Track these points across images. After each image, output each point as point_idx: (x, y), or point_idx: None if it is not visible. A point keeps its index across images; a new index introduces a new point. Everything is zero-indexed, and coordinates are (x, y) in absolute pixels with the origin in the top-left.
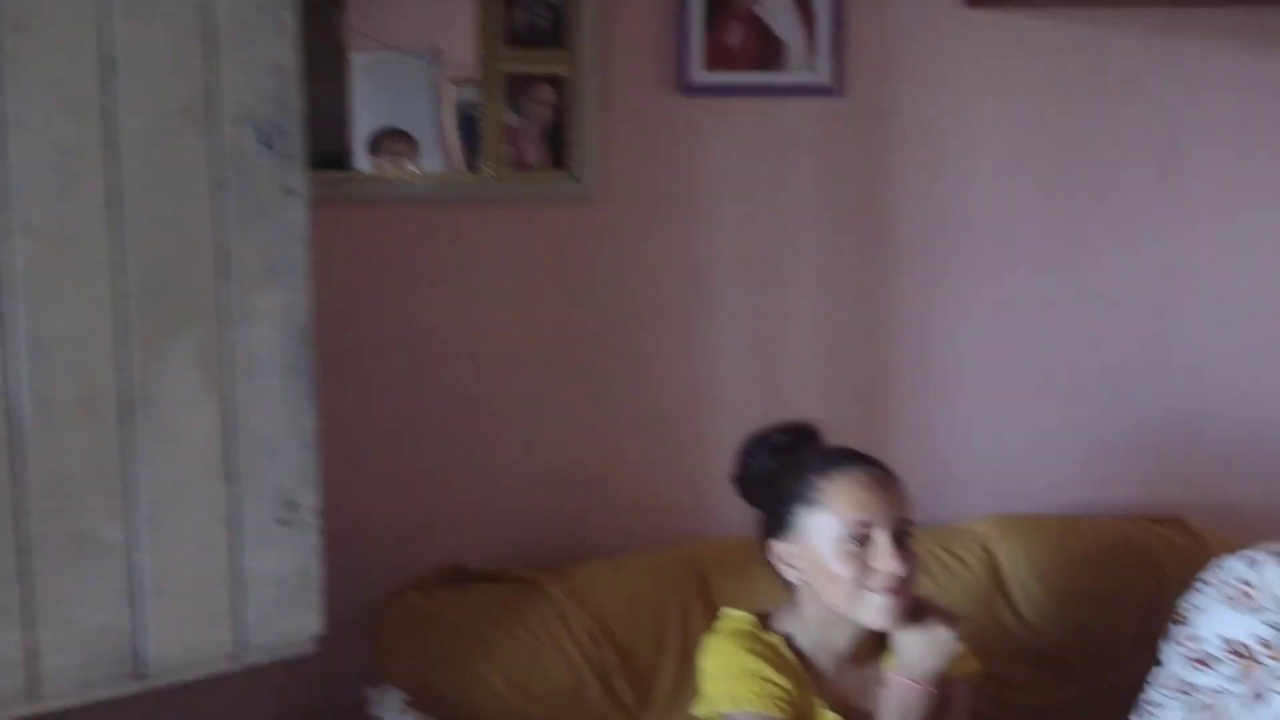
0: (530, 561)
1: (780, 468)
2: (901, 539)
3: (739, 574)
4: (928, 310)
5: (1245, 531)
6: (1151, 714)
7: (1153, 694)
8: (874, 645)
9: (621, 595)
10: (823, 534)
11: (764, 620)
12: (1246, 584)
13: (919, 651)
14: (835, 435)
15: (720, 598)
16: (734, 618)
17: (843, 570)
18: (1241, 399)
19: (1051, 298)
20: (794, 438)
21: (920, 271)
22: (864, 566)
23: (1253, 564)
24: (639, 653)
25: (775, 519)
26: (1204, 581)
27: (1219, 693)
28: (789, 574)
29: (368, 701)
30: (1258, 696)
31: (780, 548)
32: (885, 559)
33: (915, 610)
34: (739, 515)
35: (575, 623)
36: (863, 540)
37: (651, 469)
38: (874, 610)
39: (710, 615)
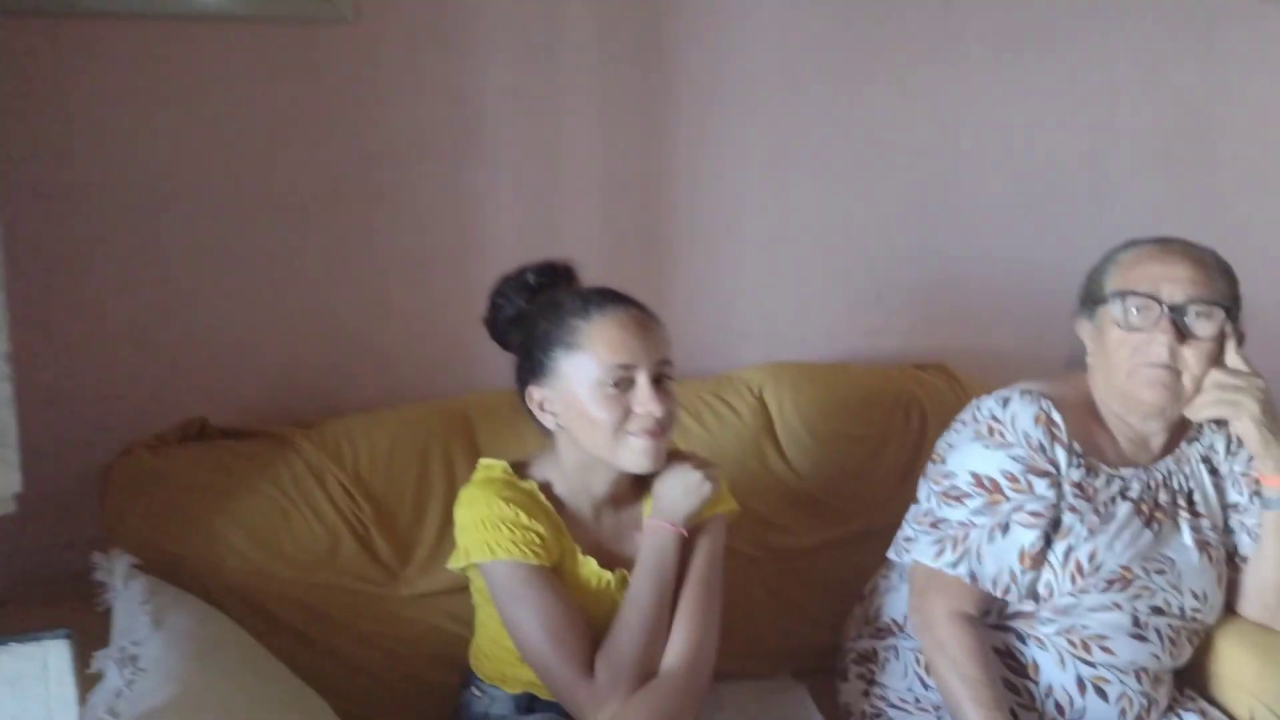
0: (287, 420)
1: (535, 309)
2: (661, 381)
3: (508, 427)
4: (705, 156)
5: (1004, 376)
6: (905, 549)
7: (908, 529)
8: (632, 489)
9: (380, 450)
10: (581, 378)
11: (520, 468)
12: (996, 420)
13: (674, 494)
14: (609, 282)
15: (488, 452)
16: (488, 466)
17: (601, 414)
18: (1006, 247)
19: (829, 146)
20: (549, 277)
21: (699, 116)
22: (623, 410)
23: (1004, 402)
24: (399, 510)
25: (532, 363)
26: (961, 422)
27: (965, 525)
28: (546, 420)
29: (94, 568)
30: (1002, 528)
31: (537, 393)
32: (645, 402)
33: (671, 456)
34: (509, 366)
35: (329, 479)
36: (622, 383)
37: (416, 318)
38: (633, 454)
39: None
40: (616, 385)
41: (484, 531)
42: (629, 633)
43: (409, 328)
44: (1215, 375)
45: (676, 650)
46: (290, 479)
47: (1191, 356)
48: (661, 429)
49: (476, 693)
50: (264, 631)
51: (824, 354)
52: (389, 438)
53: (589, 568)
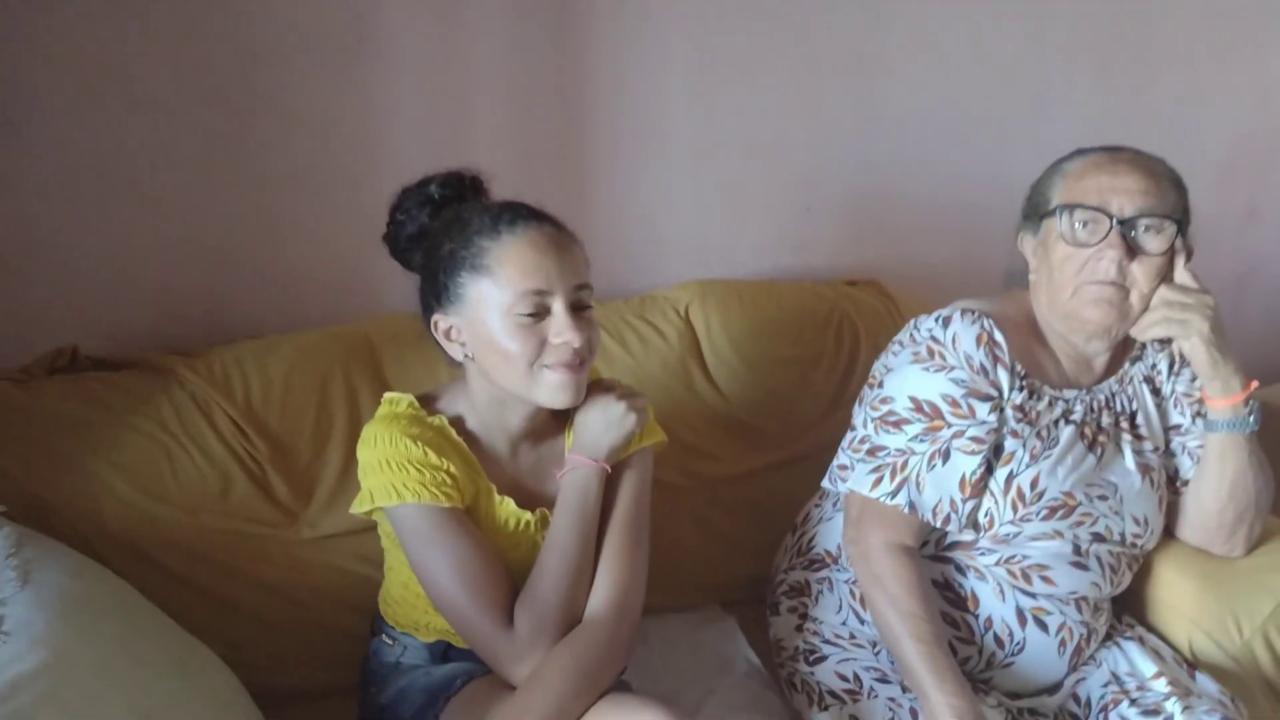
0: (170, 348)
1: (439, 226)
2: (580, 308)
3: (416, 354)
4: (627, 60)
5: (938, 292)
6: (841, 478)
7: (843, 457)
8: (552, 422)
9: (275, 381)
10: (490, 305)
11: (428, 401)
12: (936, 341)
13: (596, 428)
14: (522, 196)
15: (395, 381)
16: (392, 401)
17: (513, 345)
18: (940, 158)
19: (759, 52)
20: (455, 190)
21: (620, 17)
22: (538, 341)
23: (944, 322)
24: (297, 446)
25: (436, 287)
26: (898, 343)
27: (904, 452)
28: (454, 350)
29: None
30: (942, 455)
31: (444, 321)
32: (562, 331)
33: (593, 386)
34: (415, 287)
35: (218, 414)
36: (536, 311)
37: (310, 235)
38: (549, 389)
39: (381, 396)
40: (530, 314)
41: (389, 472)
42: (550, 579)
43: (302, 245)
44: (1163, 292)
45: (602, 595)
46: (173, 414)
47: (1141, 273)
48: (581, 361)
49: (387, 641)
50: (151, 583)
51: (752, 270)
52: (283, 367)
53: (506, 508)
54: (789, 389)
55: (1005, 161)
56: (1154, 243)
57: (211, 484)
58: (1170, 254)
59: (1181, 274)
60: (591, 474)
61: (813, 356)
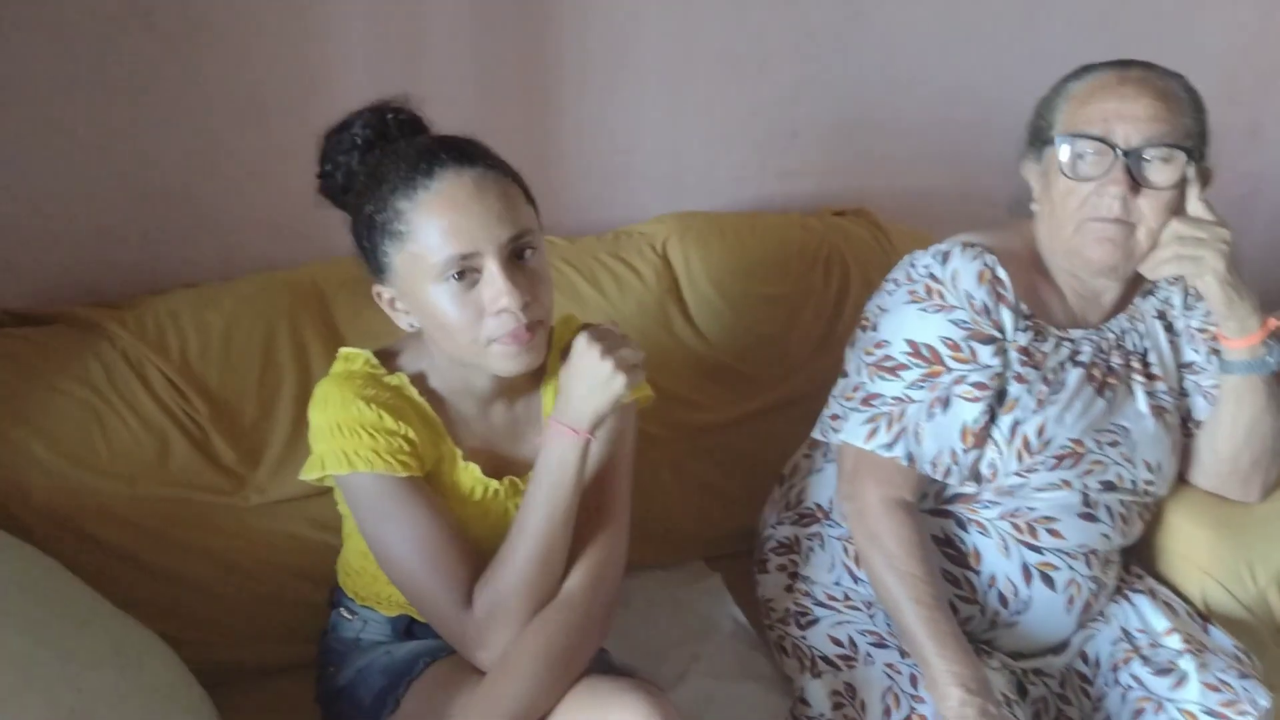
0: (97, 300)
1: (363, 179)
2: (521, 260)
3: (369, 300)
4: None
5: (933, 222)
6: (834, 428)
7: (835, 406)
8: (526, 377)
9: (214, 334)
10: (419, 275)
11: (387, 358)
12: (934, 279)
13: (579, 390)
14: (483, 129)
15: (348, 331)
16: (347, 357)
17: (450, 318)
18: (934, 74)
19: None
20: (378, 130)
21: None
22: (475, 309)
23: (943, 258)
24: (242, 404)
25: (367, 256)
26: (893, 282)
27: (901, 400)
28: (401, 321)
29: None
30: (942, 402)
31: (385, 291)
32: (498, 297)
33: (582, 333)
34: None
35: (151, 371)
36: (467, 276)
37: (250, 172)
38: (501, 360)
39: (334, 351)
40: (460, 278)
41: (340, 438)
42: (514, 563)
43: (242, 183)
44: (1175, 226)
45: (577, 569)
46: (102, 373)
47: (1148, 208)
48: (530, 328)
49: (346, 615)
50: (84, 560)
51: (733, 200)
52: (223, 318)
53: (471, 474)
54: (775, 329)
55: (1004, 76)
56: (1162, 175)
57: (148, 449)
58: (1182, 185)
59: (1195, 205)
60: (570, 446)
61: (800, 294)
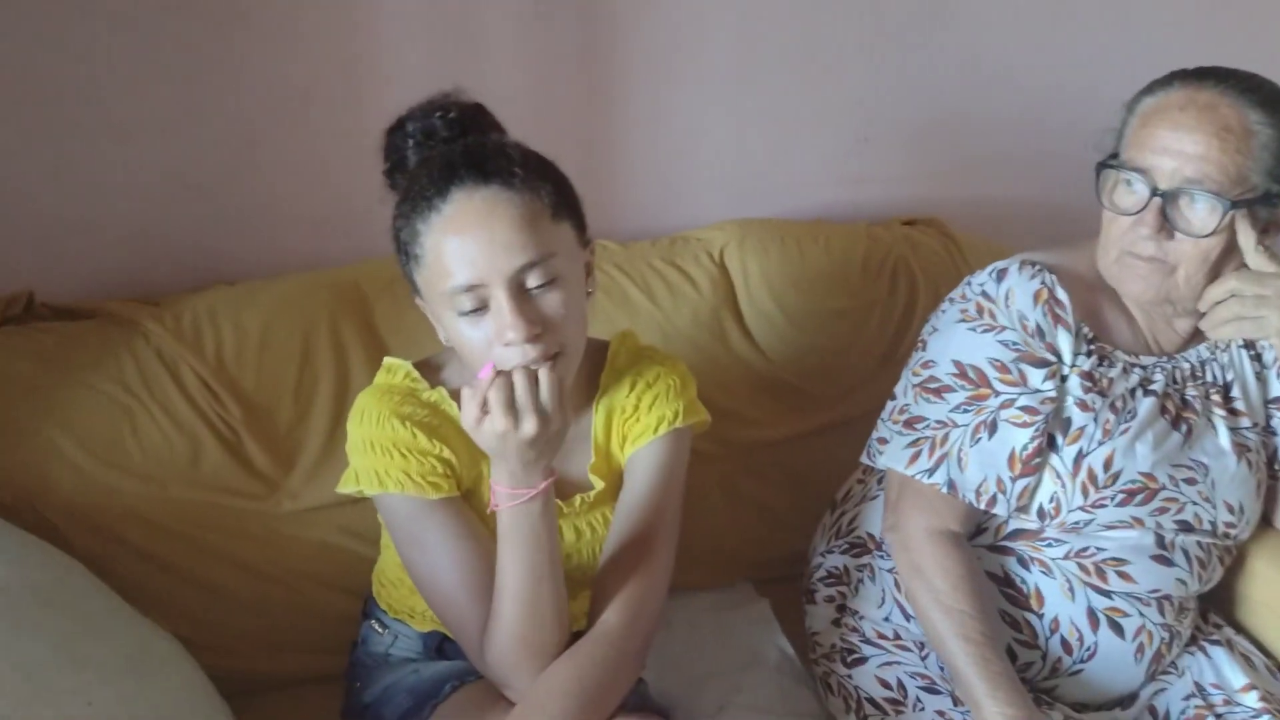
0: (138, 293)
1: (403, 184)
2: (535, 288)
3: (413, 303)
4: None
5: (1011, 236)
6: (879, 451)
7: (882, 429)
8: (579, 389)
9: (250, 335)
10: (434, 300)
11: (430, 370)
12: (987, 297)
13: (490, 451)
14: (537, 127)
15: (389, 335)
16: (389, 369)
17: (465, 347)
18: (1019, 77)
19: None
20: (429, 129)
21: None
22: (488, 339)
23: (998, 276)
24: (277, 407)
25: (402, 270)
26: (948, 299)
27: (945, 424)
28: (440, 334)
29: None
30: (988, 427)
31: (421, 305)
32: (504, 331)
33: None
34: None
35: (185, 372)
36: (478, 307)
37: (297, 167)
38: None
39: (376, 356)
40: (469, 311)
41: (373, 456)
42: (503, 622)
43: (288, 178)
44: (1233, 283)
45: (616, 604)
46: (136, 372)
47: (1186, 253)
48: (551, 350)
49: (378, 628)
50: (112, 563)
51: (797, 208)
52: (261, 318)
53: None
54: (836, 345)
55: (1097, 78)
56: (1199, 222)
57: (179, 451)
58: (1230, 235)
59: (1255, 258)
60: (519, 512)
61: (864, 307)
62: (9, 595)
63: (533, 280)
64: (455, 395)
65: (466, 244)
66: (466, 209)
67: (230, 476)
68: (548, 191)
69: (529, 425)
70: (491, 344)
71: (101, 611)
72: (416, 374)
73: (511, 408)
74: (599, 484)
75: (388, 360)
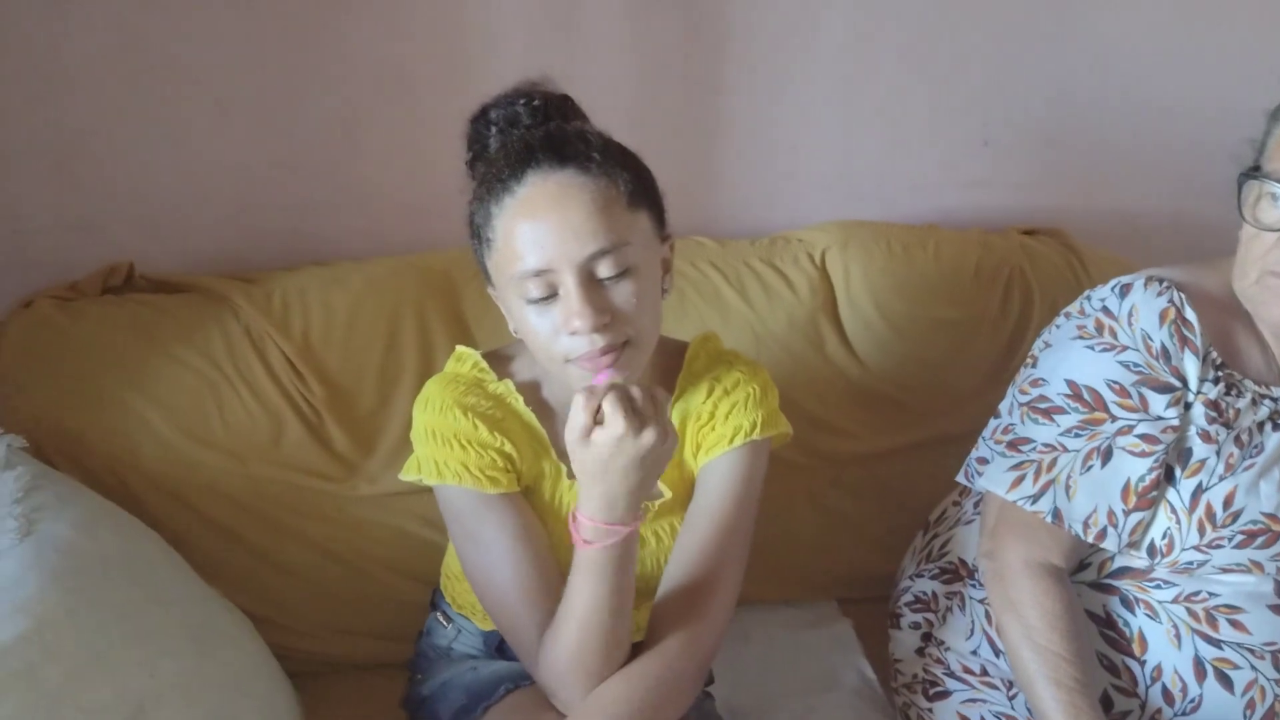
0: (237, 267)
1: (480, 169)
2: (606, 276)
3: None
4: None
5: (1138, 249)
6: (978, 472)
7: (982, 448)
8: (656, 382)
9: (338, 316)
10: (503, 286)
11: (500, 361)
12: (1108, 314)
13: (588, 467)
14: (641, 117)
15: (476, 324)
16: (460, 357)
17: (531, 333)
18: (1153, 84)
19: None
20: (513, 116)
21: None
22: (555, 326)
23: (1122, 291)
24: (360, 390)
25: (477, 255)
26: (1064, 313)
27: (1053, 447)
28: (510, 324)
29: None
30: (1102, 454)
31: (491, 293)
32: (570, 319)
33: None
34: None
35: (271, 350)
36: (547, 294)
37: (397, 150)
38: (580, 382)
39: (460, 343)
40: (537, 293)
41: (434, 445)
42: (565, 642)
43: (386, 160)
44: None
45: (674, 622)
46: (224, 348)
47: None
48: (608, 350)
49: (442, 620)
50: (191, 534)
51: (909, 212)
52: (349, 300)
53: (576, 494)
54: (940, 356)
55: (1236, 86)
56: None
57: (262, 428)
58: None
59: None
60: (603, 552)
61: (973, 319)
62: (79, 560)
63: (604, 269)
64: (523, 388)
65: (538, 227)
66: (540, 192)
67: (310, 457)
68: (625, 179)
69: (649, 435)
70: (558, 333)
71: (171, 583)
72: (485, 364)
73: (633, 414)
74: (667, 492)
75: (459, 349)
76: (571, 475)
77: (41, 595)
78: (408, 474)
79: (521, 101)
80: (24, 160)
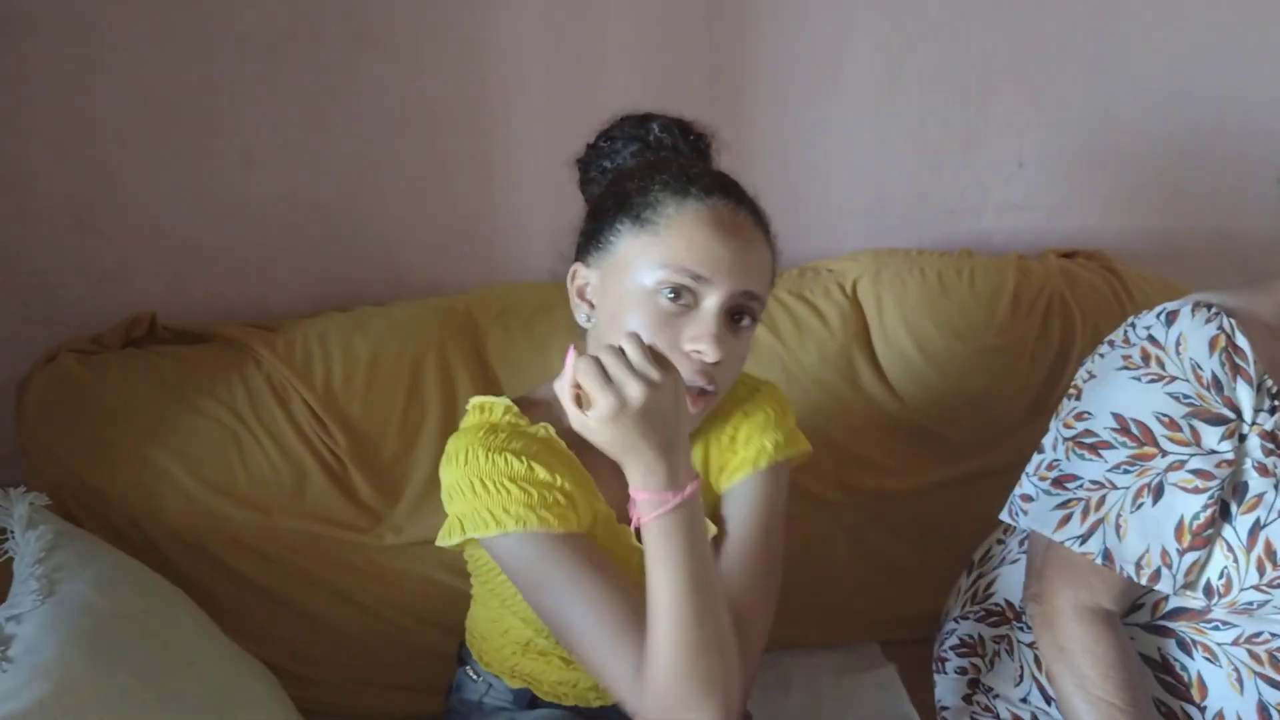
0: (261, 313)
1: (633, 168)
2: (737, 318)
3: (525, 334)
4: None
5: (1183, 270)
6: (1022, 510)
7: (1027, 485)
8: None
9: (360, 363)
10: (637, 267)
11: (530, 406)
12: (1155, 342)
13: (613, 451)
14: None
15: (499, 366)
16: (484, 407)
17: (637, 325)
18: (1196, 99)
19: None
20: (672, 138)
21: None
22: (669, 340)
23: (1169, 318)
24: (383, 438)
25: (591, 230)
26: (1109, 343)
27: (1101, 485)
28: (579, 312)
29: None
30: (1153, 491)
31: (583, 273)
32: (701, 336)
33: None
34: (535, 254)
35: (294, 399)
36: (683, 296)
37: (418, 190)
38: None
39: (483, 388)
40: (674, 296)
41: (484, 495)
42: (663, 651)
43: (406, 202)
44: None
45: None
46: (246, 398)
47: None
48: (704, 390)
49: (471, 675)
50: (214, 588)
51: (945, 238)
52: (371, 346)
53: (626, 541)
54: (980, 388)
55: None
56: None
57: (285, 479)
58: None
59: None
60: (665, 523)
61: (1012, 348)
62: (100, 620)
63: (743, 311)
64: (563, 433)
65: (718, 241)
66: (728, 215)
67: (334, 507)
68: (774, 247)
69: (634, 390)
70: (671, 347)
71: (195, 640)
72: (517, 410)
73: (609, 383)
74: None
75: (477, 400)
76: (622, 520)
77: (63, 658)
78: (449, 539)
79: (693, 135)
80: (50, 214)
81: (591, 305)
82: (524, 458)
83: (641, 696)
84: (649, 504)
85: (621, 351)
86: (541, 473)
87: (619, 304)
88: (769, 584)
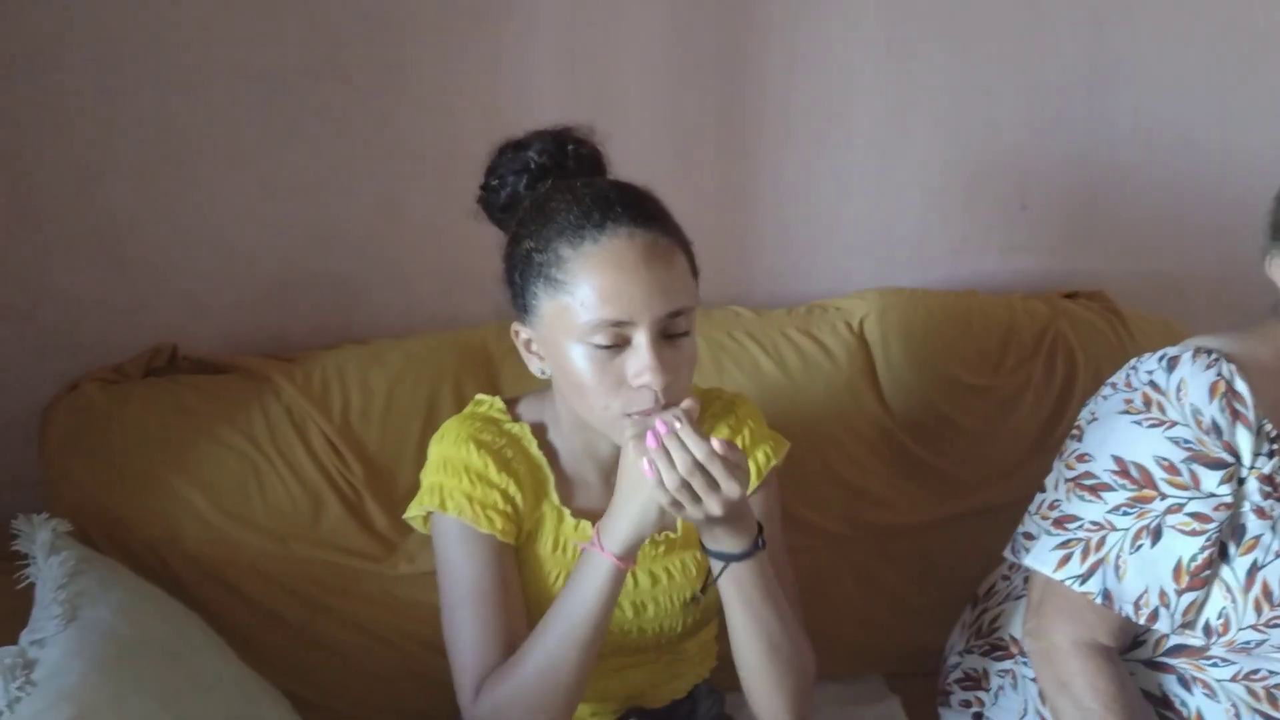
0: (280, 345)
1: (527, 206)
2: (670, 337)
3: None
4: (805, 19)
5: (1183, 312)
6: (1025, 548)
7: (1029, 523)
8: None
9: (376, 394)
10: (565, 327)
11: (512, 405)
12: (1155, 388)
13: (625, 509)
14: (676, 186)
15: (512, 394)
16: (481, 401)
17: (586, 379)
18: (1195, 141)
19: (966, 8)
20: (555, 159)
21: None
22: (614, 378)
23: (1170, 364)
24: (398, 468)
25: (514, 292)
26: (1111, 386)
27: (1101, 526)
28: (533, 365)
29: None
30: (1152, 533)
31: (523, 331)
32: (641, 372)
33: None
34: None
35: (312, 430)
36: (615, 344)
37: (435, 226)
38: (630, 438)
39: None
40: (605, 344)
41: (442, 474)
42: (518, 675)
43: (424, 236)
44: None
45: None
46: (265, 428)
47: None
48: (671, 402)
49: None
50: (232, 615)
51: (947, 277)
52: (388, 377)
53: (584, 533)
54: (984, 426)
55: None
56: None
57: (302, 508)
58: None
59: None
60: (598, 568)
61: (1016, 387)
62: (122, 645)
63: (674, 328)
64: (534, 430)
65: (623, 280)
66: (626, 245)
67: (350, 536)
68: (688, 245)
69: (714, 508)
70: (620, 385)
71: (213, 666)
72: (504, 406)
73: (697, 501)
74: (679, 526)
75: (480, 396)
76: (577, 516)
77: (85, 682)
78: (411, 511)
79: (570, 147)
80: (73, 245)
81: (541, 358)
82: (484, 452)
83: (474, 701)
84: (612, 545)
85: (701, 468)
86: (493, 472)
87: (562, 360)
88: (792, 581)
